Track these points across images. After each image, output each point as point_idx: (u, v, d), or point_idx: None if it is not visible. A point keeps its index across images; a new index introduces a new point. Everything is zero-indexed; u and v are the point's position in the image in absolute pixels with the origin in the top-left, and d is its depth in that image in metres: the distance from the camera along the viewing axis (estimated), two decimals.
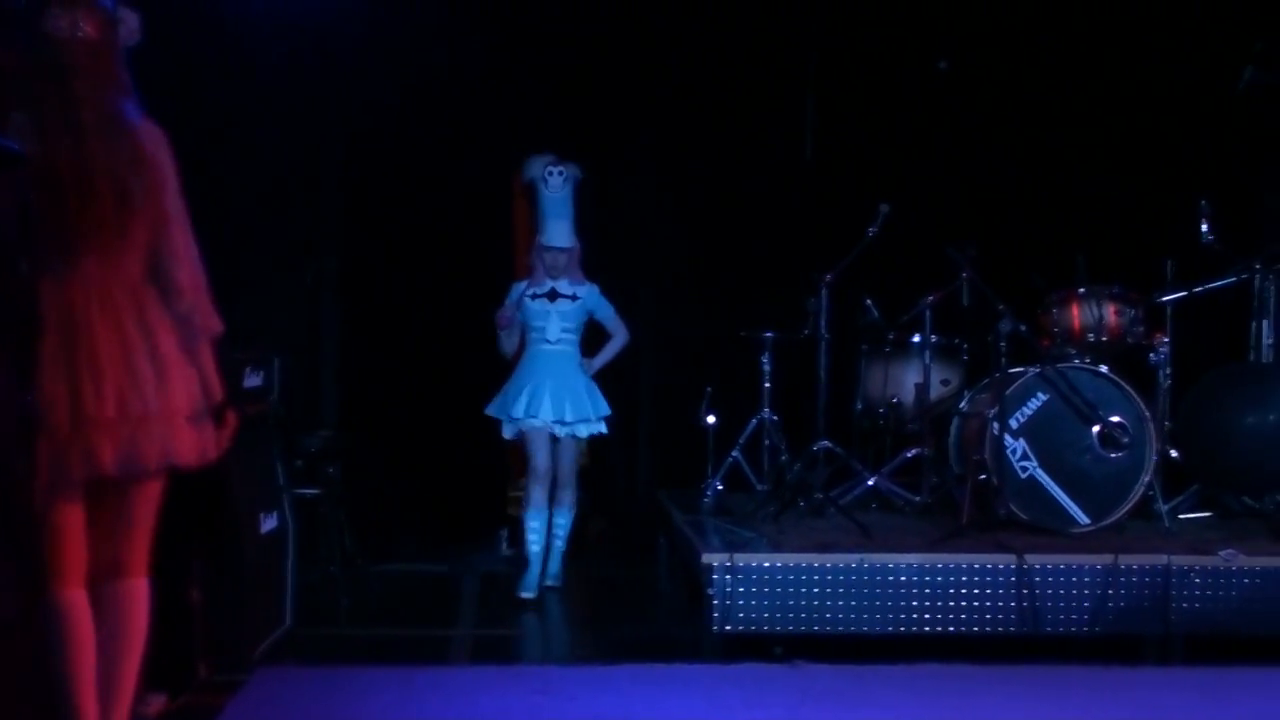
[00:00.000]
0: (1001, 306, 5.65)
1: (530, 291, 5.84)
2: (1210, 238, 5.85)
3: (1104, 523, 5.37)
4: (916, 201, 6.55)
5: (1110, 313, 5.78)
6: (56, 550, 3.15)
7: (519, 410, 5.71)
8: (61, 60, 3.10)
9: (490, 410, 5.87)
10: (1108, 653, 4.71)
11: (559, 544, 5.92)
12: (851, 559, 4.82)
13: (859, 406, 6.40)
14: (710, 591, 4.74)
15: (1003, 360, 5.64)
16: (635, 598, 6.18)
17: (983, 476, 5.48)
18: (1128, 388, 5.45)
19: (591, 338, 5.99)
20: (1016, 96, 6.95)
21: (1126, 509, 5.40)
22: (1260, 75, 6.06)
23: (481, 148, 6.84)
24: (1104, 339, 5.78)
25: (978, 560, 4.85)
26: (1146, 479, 5.41)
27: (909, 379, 6.14)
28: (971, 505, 5.38)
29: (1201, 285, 6.01)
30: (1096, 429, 5.42)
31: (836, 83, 7.08)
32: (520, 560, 5.93)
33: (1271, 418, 5.63)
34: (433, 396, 6.86)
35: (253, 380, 4.84)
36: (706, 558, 4.80)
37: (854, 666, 4.56)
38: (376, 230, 6.95)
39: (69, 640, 3.14)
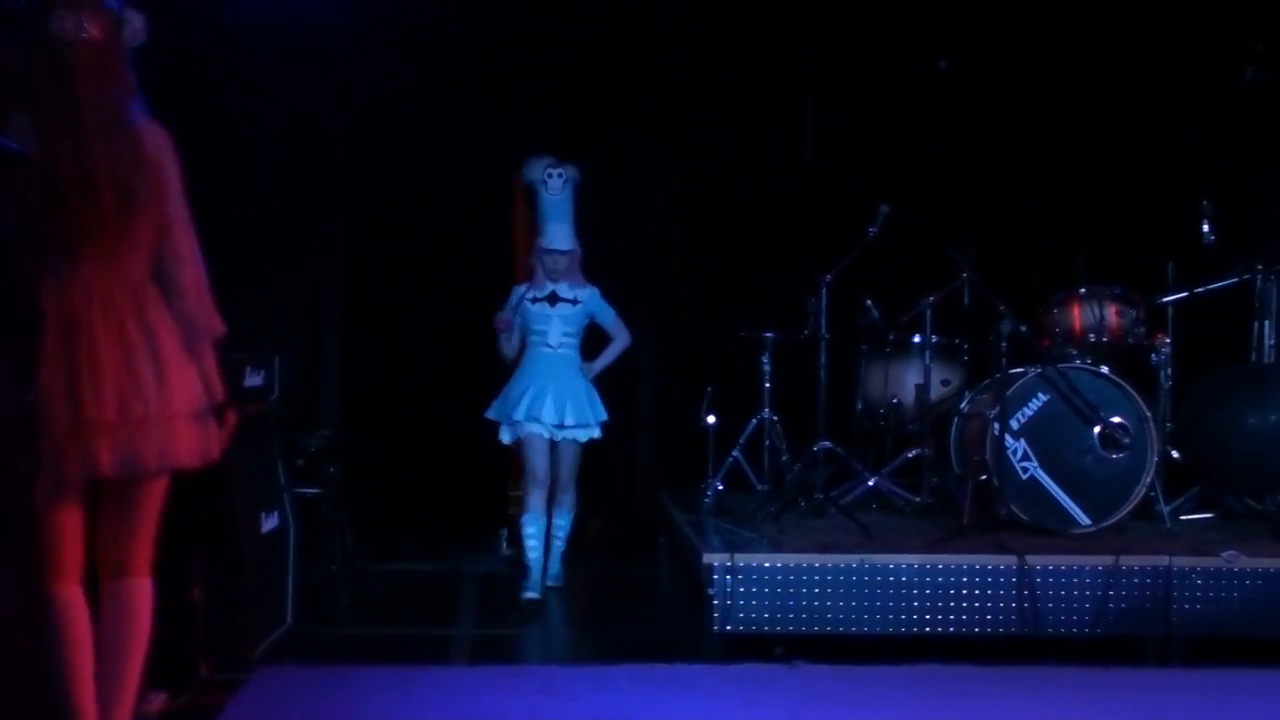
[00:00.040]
0: (1002, 307, 5.65)
1: (531, 295, 5.81)
2: (1212, 238, 5.85)
3: (1105, 524, 5.36)
4: (917, 201, 6.54)
5: (1111, 313, 5.78)
6: (52, 548, 3.16)
7: (520, 413, 5.68)
8: (65, 61, 3.10)
9: (490, 414, 5.85)
10: (1109, 654, 4.71)
11: (559, 544, 5.91)
12: (852, 559, 4.82)
13: (859, 407, 6.40)
14: (711, 592, 4.74)
15: (1003, 361, 5.64)
16: (636, 598, 6.18)
17: (983, 477, 5.47)
18: (1129, 388, 5.45)
19: (592, 339, 5.98)
20: (1017, 96, 6.94)
21: (1128, 510, 5.39)
22: (1261, 75, 6.05)
23: (481, 147, 6.84)
24: (1105, 339, 5.78)
25: (978, 561, 4.84)
26: (1148, 480, 5.41)
27: (909, 379, 6.14)
28: (972, 506, 5.37)
29: (1203, 286, 6.01)
30: (1097, 430, 5.41)
31: (837, 83, 7.08)
32: (520, 562, 5.92)
33: (1273, 418, 5.62)
34: (433, 396, 6.86)
35: (253, 380, 4.84)
36: (707, 558, 4.79)
37: (855, 667, 4.56)
38: (377, 230, 6.95)
39: (64, 637, 3.15)
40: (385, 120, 6.88)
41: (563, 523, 5.89)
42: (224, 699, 4.13)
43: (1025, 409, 5.44)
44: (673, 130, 7.07)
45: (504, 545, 6.78)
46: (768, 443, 6.26)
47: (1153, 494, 5.54)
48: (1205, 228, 5.83)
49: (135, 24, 3.23)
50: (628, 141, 7.09)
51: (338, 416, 6.84)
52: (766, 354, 6.28)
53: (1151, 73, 6.85)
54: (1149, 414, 5.45)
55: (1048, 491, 5.40)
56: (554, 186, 5.80)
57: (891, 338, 6.18)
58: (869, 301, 6.26)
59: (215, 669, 4.37)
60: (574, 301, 5.81)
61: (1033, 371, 5.49)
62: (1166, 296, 6.02)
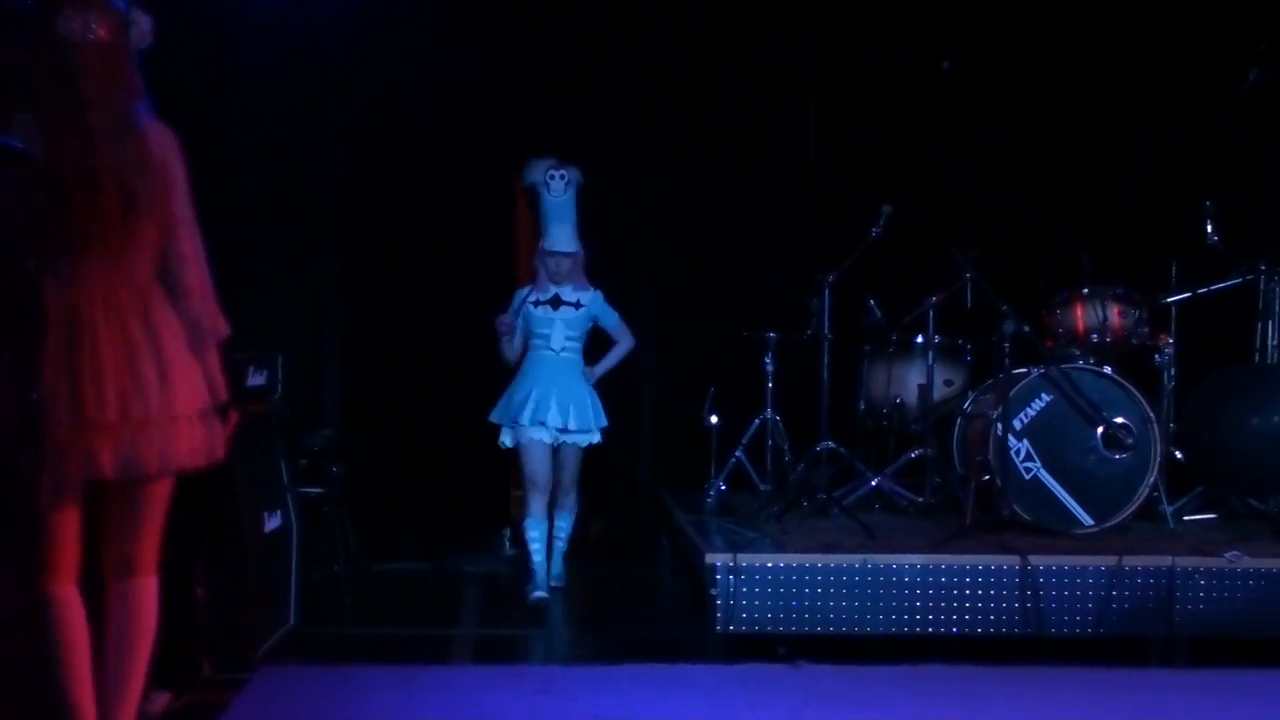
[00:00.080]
0: (1005, 307, 5.64)
1: (533, 298, 5.78)
2: (1215, 239, 5.85)
3: (1108, 524, 5.36)
4: (919, 202, 6.54)
5: (1114, 313, 5.77)
6: (50, 548, 3.15)
7: (526, 417, 5.64)
8: (71, 62, 3.09)
9: (494, 417, 5.81)
10: (1111, 654, 4.71)
11: (560, 544, 5.90)
12: (855, 559, 4.82)
13: (862, 407, 6.40)
14: (713, 592, 4.74)
15: (1006, 361, 5.63)
16: (638, 598, 6.18)
17: (986, 477, 5.47)
18: (1132, 389, 5.44)
19: (593, 342, 5.97)
20: (1020, 96, 6.93)
21: (1131, 510, 5.39)
22: (1265, 75, 6.05)
23: (482, 147, 6.84)
24: (1108, 340, 5.77)
25: (981, 561, 4.84)
26: (1151, 480, 5.41)
27: (912, 379, 6.14)
28: (975, 506, 5.37)
29: (1206, 286, 6.01)
30: (1100, 430, 5.41)
31: (839, 82, 7.07)
32: (523, 562, 5.91)
33: (1276, 419, 5.61)
34: (436, 395, 6.85)
35: (256, 379, 4.84)
36: (710, 558, 4.79)
37: (857, 667, 4.56)
38: (379, 230, 6.95)
39: (61, 637, 3.15)
40: (387, 120, 6.88)
41: (564, 524, 5.89)
42: (227, 698, 4.13)
43: (1028, 409, 5.43)
44: (675, 131, 7.07)
45: (507, 545, 6.78)
46: (770, 443, 6.26)
47: (1156, 494, 5.53)
48: (1208, 228, 5.83)
49: (142, 25, 3.22)
50: (630, 142, 7.08)
51: (340, 416, 6.84)
52: (769, 354, 6.29)
53: (1155, 72, 6.84)
54: (1152, 414, 5.44)
55: (1050, 492, 5.39)
56: (556, 188, 5.77)
57: (894, 338, 6.18)
58: (872, 301, 6.26)
59: (218, 668, 4.37)
60: (577, 305, 5.78)
61: (1036, 372, 5.49)
62: (1170, 297, 6.02)
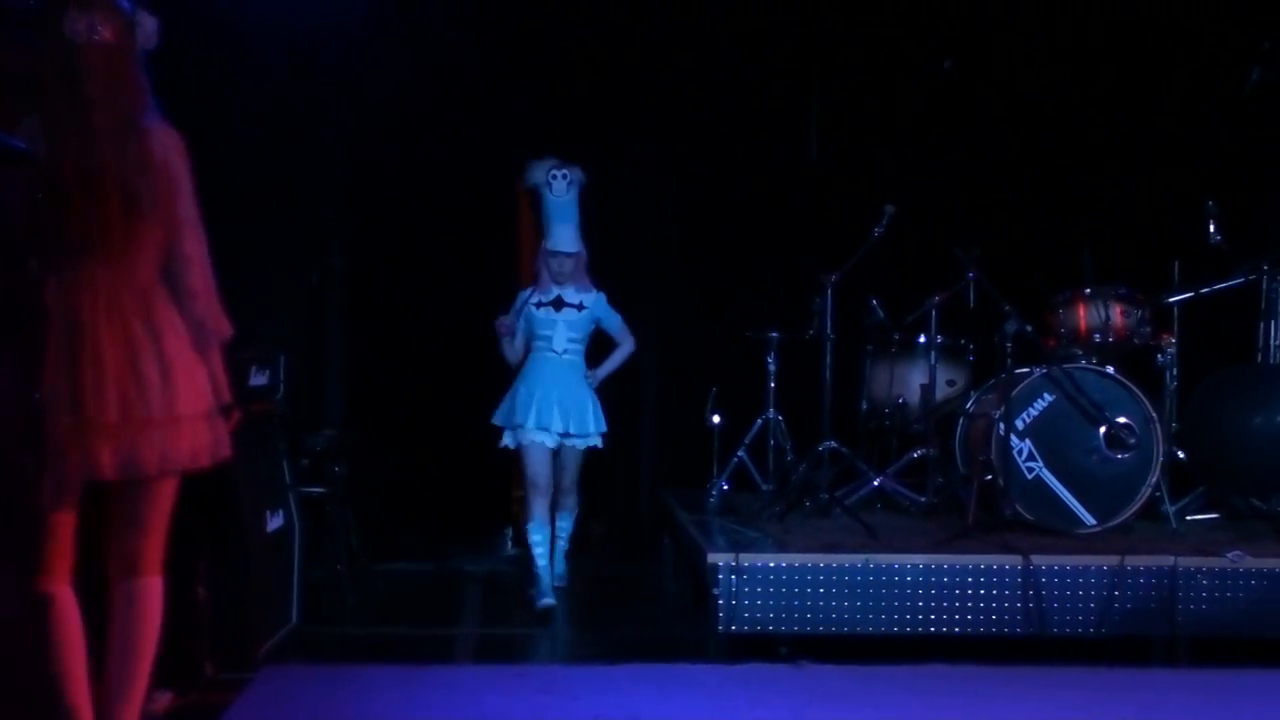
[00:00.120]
0: (1007, 307, 5.63)
1: (536, 299, 5.74)
2: (1217, 238, 5.84)
3: (1110, 524, 5.36)
4: (922, 202, 6.54)
5: (1117, 313, 5.77)
6: (48, 548, 3.16)
7: (529, 420, 5.61)
8: (76, 63, 3.09)
9: (497, 420, 5.79)
10: (1114, 654, 4.71)
11: (562, 544, 5.89)
12: (857, 559, 4.82)
13: (864, 407, 6.40)
14: (715, 591, 4.74)
15: (1008, 361, 5.62)
16: (640, 597, 6.18)
17: (988, 477, 5.47)
18: (1134, 389, 5.44)
19: (594, 343, 5.96)
20: (1022, 96, 6.93)
21: (1133, 510, 5.39)
22: (1267, 75, 6.04)
23: (484, 147, 6.84)
24: (1110, 340, 5.77)
25: (983, 561, 4.84)
26: (1153, 480, 5.40)
27: (914, 379, 6.13)
28: (977, 506, 5.37)
29: (1208, 286, 6.00)
30: (1103, 430, 5.41)
31: (841, 82, 7.07)
32: (527, 567, 5.90)
33: (1278, 419, 5.61)
34: (438, 395, 6.86)
35: (258, 379, 4.85)
36: (712, 557, 4.79)
37: (859, 667, 4.56)
38: (381, 230, 6.96)
39: (58, 637, 3.15)
40: (389, 121, 6.89)
41: (565, 524, 5.87)
42: (229, 698, 4.14)
43: (1030, 409, 5.43)
44: (677, 131, 7.07)
45: (509, 545, 6.79)
46: (773, 442, 6.26)
47: (1158, 494, 5.53)
48: (1211, 228, 5.82)
49: (148, 27, 3.22)
50: (632, 142, 7.09)
51: (342, 416, 6.85)
52: (771, 354, 6.29)
53: (1157, 72, 6.84)
54: (1154, 414, 5.44)
55: (1053, 491, 5.39)
56: (558, 189, 5.75)
57: (897, 338, 6.17)
58: (874, 301, 6.26)
59: (220, 668, 4.37)
60: (580, 307, 5.75)
61: (1038, 371, 5.48)
62: (1172, 296, 6.01)
